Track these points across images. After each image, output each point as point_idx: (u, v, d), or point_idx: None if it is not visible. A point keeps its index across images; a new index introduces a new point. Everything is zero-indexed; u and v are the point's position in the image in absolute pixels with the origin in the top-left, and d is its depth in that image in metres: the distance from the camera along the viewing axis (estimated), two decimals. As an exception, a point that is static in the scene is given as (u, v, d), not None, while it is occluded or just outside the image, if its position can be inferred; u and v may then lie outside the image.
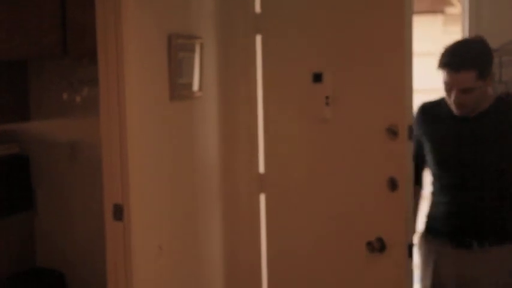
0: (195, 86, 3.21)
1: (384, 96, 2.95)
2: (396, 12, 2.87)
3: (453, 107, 2.75)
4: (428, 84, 3.44)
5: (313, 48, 3.27)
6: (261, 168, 3.53)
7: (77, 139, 3.84)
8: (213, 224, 3.48)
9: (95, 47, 2.76)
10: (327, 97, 3.17)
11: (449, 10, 7.07)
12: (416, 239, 3.00)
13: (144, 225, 2.84)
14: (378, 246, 2.95)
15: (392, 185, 2.85)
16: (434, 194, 2.99)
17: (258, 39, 3.46)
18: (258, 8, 3.45)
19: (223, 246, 3.57)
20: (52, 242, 4.01)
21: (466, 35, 3.77)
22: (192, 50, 3.17)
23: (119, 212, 2.75)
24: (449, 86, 2.69)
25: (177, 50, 2.99)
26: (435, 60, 2.86)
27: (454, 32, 4.40)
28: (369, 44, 3.03)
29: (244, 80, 3.50)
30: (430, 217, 3.06)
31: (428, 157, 2.94)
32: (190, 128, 3.23)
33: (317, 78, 3.19)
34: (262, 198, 3.55)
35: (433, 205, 3.02)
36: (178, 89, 3.04)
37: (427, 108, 2.94)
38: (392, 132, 2.83)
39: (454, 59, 2.66)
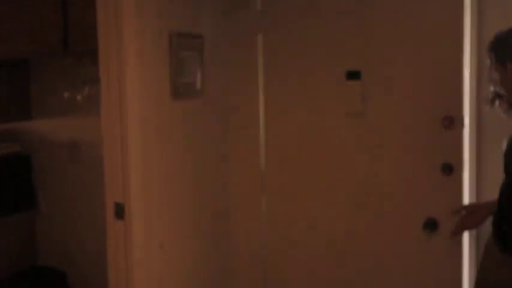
0: (197, 85, 3.22)
1: (439, 88, 3.04)
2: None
3: None
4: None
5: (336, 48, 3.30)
6: (263, 166, 3.53)
7: (78, 138, 3.85)
8: (214, 222, 3.48)
9: (96, 46, 2.77)
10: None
11: None
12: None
13: (145, 223, 2.84)
14: (431, 227, 3.05)
15: (448, 169, 3.01)
16: None
17: (260, 37, 3.46)
18: (260, 6, 3.45)
19: (225, 244, 3.57)
20: (53, 240, 4.01)
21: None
22: (194, 49, 3.17)
23: (120, 211, 2.76)
24: None
25: (179, 48, 2.99)
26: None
27: None
28: (421, 36, 3.09)
29: (247, 78, 3.50)
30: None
31: None
32: (192, 127, 3.23)
33: (353, 75, 3.22)
34: (264, 197, 3.55)
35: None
36: (180, 87, 3.04)
37: None
38: (449, 121, 3.00)
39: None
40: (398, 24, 3.13)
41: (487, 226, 2.72)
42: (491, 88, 2.46)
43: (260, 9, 3.45)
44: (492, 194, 2.63)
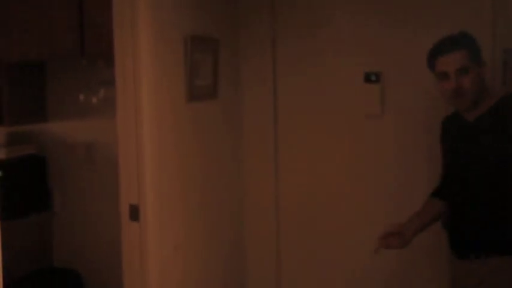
0: (212, 87, 3.23)
1: None
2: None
3: (452, 101, 2.54)
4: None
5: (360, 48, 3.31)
6: (277, 168, 3.53)
7: (94, 140, 3.87)
8: (229, 223, 3.49)
9: (112, 49, 2.78)
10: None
11: None
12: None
13: (160, 225, 2.85)
14: None
15: None
16: (452, 213, 2.71)
17: (275, 39, 3.47)
18: (275, 9, 3.46)
19: (241, 245, 3.58)
20: (69, 242, 4.03)
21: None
22: (209, 52, 3.18)
23: (135, 213, 2.77)
24: (443, 74, 2.50)
25: (194, 51, 3.00)
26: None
27: None
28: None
29: (262, 81, 3.51)
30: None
31: (446, 170, 2.76)
32: (207, 129, 3.24)
33: (372, 77, 3.23)
34: (280, 198, 3.56)
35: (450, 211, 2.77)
36: (195, 90, 3.05)
37: (447, 120, 2.74)
38: None
39: (443, 43, 2.54)
40: (418, 26, 3.12)
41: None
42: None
43: (275, 12, 3.46)
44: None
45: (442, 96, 2.54)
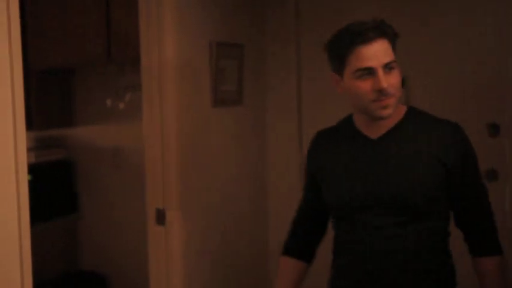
0: (237, 93, 3.25)
1: (485, 95, 3.04)
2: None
3: (373, 106, 1.84)
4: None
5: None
6: (302, 173, 3.54)
7: (120, 144, 3.91)
8: (254, 228, 3.50)
9: (138, 55, 2.82)
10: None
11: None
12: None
13: (185, 229, 2.88)
14: None
15: (493, 176, 3.01)
16: (334, 253, 2.08)
17: (299, 44, 3.48)
18: (297, 14, 3.47)
19: (266, 250, 3.59)
20: (95, 245, 4.08)
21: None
22: (234, 57, 3.20)
23: (161, 217, 2.79)
24: (365, 71, 1.82)
25: (219, 57, 3.03)
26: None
27: None
28: (467, 42, 3.08)
29: (286, 86, 3.52)
30: None
31: (327, 196, 2.02)
32: (232, 134, 3.27)
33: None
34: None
35: (334, 271, 2.09)
36: (220, 95, 3.08)
37: (324, 136, 2.09)
38: (494, 128, 3.02)
39: (362, 28, 1.83)
40: (444, 31, 3.12)
41: None
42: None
43: (300, 18, 3.48)
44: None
45: (355, 101, 1.88)
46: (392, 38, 1.89)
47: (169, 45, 2.74)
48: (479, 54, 3.05)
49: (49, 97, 3.89)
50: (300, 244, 2.15)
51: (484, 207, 1.96)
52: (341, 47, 1.84)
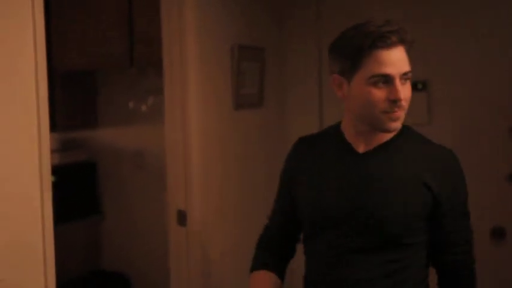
0: (259, 96, 3.26)
1: (508, 98, 3.02)
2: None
3: (384, 118, 1.69)
4: None
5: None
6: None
7: (142, 146, 3.94)
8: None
9: (161, 58, 2.84)
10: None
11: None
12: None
13: (206, 230, 2.89)
14: (499, 235, 3.07)
15: None
16: (307, 271, 1.91)
17: (320, 47, 3.48)
18: (319, 17, 3.48)
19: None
20: (117, 245, 4.11)
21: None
22: (255, 60, 3.22)
23: (182, 218, 2.81)
24: (382, 78, 1.65)
25: (240, 60, 3.04)
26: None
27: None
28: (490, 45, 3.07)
29: (307, 89, 3.53)
30: None
31: (302, 210, 1.87)
32: (253, 136, 3.27)
33: (418, 85, 3.20)
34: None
35: None
36: (241, 98, 3.09)
37: (306, 143, 1.93)
38: None
39: (385, 30, 1.65)
40: (465, 35, 3.11)
41: None
42: None
43: (321, 21, 3.48)
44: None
45: (362, 109, 1.71)
46: (409, 45, 1.72)
47: (191, 48, 2.76)
48: (501, 58, 3.03)
49: (73, 99, 3.93)
50: (275, 259, 1.97)
51: (466, 249, 1.76)
52: (357, 48, 1.66)
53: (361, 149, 1.77)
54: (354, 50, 1.67)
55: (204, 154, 2.86)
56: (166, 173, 2.88)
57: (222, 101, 3.01)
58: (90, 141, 4.17)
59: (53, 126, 3.76)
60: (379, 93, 1.66)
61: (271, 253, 1.99)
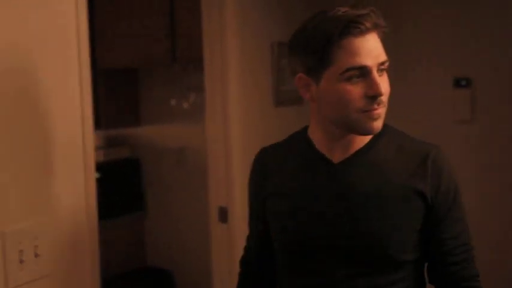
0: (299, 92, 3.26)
1: None
2: None
3: (363, 118, 1.43)
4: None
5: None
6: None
7: (184, 143, 3.97)
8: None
9: (201, 55, 2.86)
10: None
11: None
12: None
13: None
14: None
15: None
16: None
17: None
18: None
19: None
20: (161, 241, 4.16)
21: None
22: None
23: (223, 214, 2.83)
24: (357, 71, 1.39)
25: (281, 57, 3.04)
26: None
27: None
28: None
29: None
30: None
31: (274, 235, 1.62)
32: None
33: (461, 82, 3.15)
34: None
35: None
36: (281, 95, 3.09)
37: (271, 155, 1.69)
38: None
39: (351, 15, 1.39)
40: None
41: None
42: None
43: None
44: None
45: (335, 111, 1.46)
46: (382, 31, 1.45)
47: (231, 46, 2.77)
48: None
49: (116, 96, 3.98)
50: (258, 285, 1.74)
51: (466, 257, 1.51)
52: (325, 39, 1.38)
53: (336, 158, 1.50)
54: (320, 42, 1.39)
55: (244, 151, 2.87)
56: (208, 170, 2.89)
57: (263, 98, 3.01)
58: (133, 138, 4.22)
59: (97, 124, 3.86)
60: (355, 90, 1.40)
61: (253, 281, 1.76)
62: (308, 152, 1.55)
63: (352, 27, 1.37)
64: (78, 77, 1.88)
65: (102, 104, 3.87)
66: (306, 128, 1.62)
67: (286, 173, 1.57)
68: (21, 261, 1.62)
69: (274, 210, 1.58)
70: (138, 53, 3.62)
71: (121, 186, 4.06)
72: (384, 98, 1.43)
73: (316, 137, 1.54)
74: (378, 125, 1.44)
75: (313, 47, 1.40)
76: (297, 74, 1.49)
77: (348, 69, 1.38)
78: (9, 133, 1.65)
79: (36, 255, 1.67)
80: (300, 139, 1.60)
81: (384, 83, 1.43)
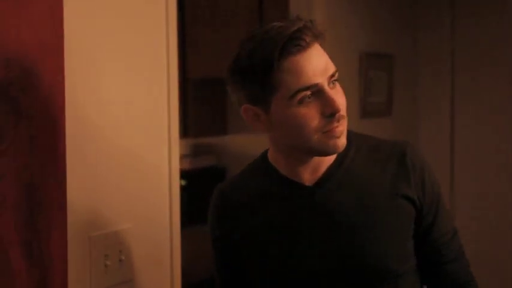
0: (386, 104, 3.20)
1: None
2: None
3: (327, 136, 1.31)
4: None
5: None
6: (450, 187, 3.41)
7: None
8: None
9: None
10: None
11: None
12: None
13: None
14: None
15: None
16: None
17: (452, 55, 3.37)
18: (452, 26, 3.36)
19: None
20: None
21: None
22: (384, 68, 3.17)
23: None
24: (308, 92, 1.27)
25: (369, 68, 3.01)
26: None
27: None
28: None
29: (437, 98, 3.42)
30: None
31: (255, 281, 1.48)
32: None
33: None
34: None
35: None
36: (368, 106, 3.06)
37: (235, 192, 1.54)
38: None
39: (288, 31, 1.28)
40: None
41: None
42: None
43: (455, 28, 3.37)
44: None
45: (292, 137, 1.34)
46: (322, 39, 1.35)
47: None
48: None
49: (204, 106, 4.04)
50: None
51: (459, 256, 1.43)
52: (264, 64, 1.25)
53: (307, 180, 1.37)
54: (260, 68, 1.26)
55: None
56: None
57: (349, 109, 2.96)
58: (219, 147, 4.27)
59: (185, 133, 3.93)
60: (310, 112, 1.27)
61: None
62: (277, 180, 1.41)
63: (291, 45, 1.25)
64: (166, 86, 1.91)
65: (191, 113, 3.94)
66: (264, 157, 1.49)
67: (255, 208, 1.42)
68: (105, 266, 1.65)
69: (254, 257, 1.43)
70: (225, 63, 3.66)
71: (206, 194, 4.09)
72: (343, 112, 1.31)
73: (281, 164, 1.41)
74: (342, 141, 1.31)
75: (254, 74, 1.28)
76: (242, 105, 1.38)
77: (296, 92, 1.26)
78: (95, 140, 1.68)
79: (120, 260, 1.70)
80: (262, 168, 1.47)
81: (338, 97, 1.31)
